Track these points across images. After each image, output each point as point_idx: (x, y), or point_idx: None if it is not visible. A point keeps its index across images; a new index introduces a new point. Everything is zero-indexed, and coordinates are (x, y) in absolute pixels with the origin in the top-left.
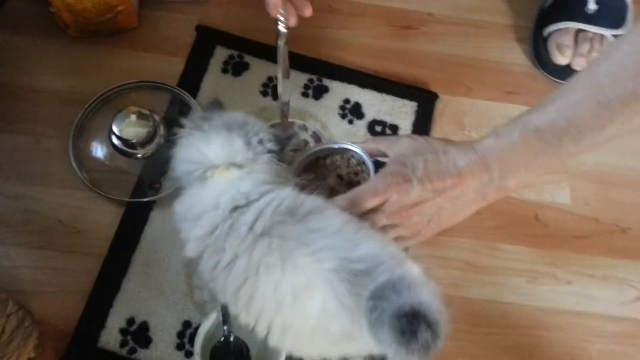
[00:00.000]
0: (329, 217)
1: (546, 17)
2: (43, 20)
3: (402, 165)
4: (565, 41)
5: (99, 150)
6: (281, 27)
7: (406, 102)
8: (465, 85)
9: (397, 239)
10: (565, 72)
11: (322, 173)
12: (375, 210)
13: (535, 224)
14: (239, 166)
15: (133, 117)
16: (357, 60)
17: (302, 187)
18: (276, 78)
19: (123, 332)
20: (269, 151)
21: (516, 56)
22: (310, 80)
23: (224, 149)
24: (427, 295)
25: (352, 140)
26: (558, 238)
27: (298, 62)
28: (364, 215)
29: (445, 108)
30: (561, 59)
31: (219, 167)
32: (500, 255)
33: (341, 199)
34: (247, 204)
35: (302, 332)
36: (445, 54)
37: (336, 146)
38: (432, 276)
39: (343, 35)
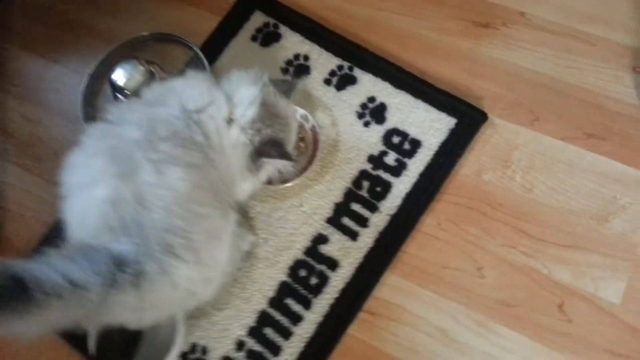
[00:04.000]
0: None
1: None
2: None
3: None
4: None
5: (105, 92)
6: None
7: (444, 116)
8: (533, 113)
9: None
10: None
11: None
12: None
13: (555, 313)
14: None
15: (140, 67)
16: (405, 55)
17: None
18: (303, 57)
19: None
20: None
21: (622, 90)
22: (340, 67)
23: None
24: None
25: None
26: (581, 343)
27: (333, 43)
28: None
29: (494, 135)
30: None
31: None
32: (491, 338)
33: None
34: None
35: None
36: (522, 67)
37: None
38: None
39: (402, 22)
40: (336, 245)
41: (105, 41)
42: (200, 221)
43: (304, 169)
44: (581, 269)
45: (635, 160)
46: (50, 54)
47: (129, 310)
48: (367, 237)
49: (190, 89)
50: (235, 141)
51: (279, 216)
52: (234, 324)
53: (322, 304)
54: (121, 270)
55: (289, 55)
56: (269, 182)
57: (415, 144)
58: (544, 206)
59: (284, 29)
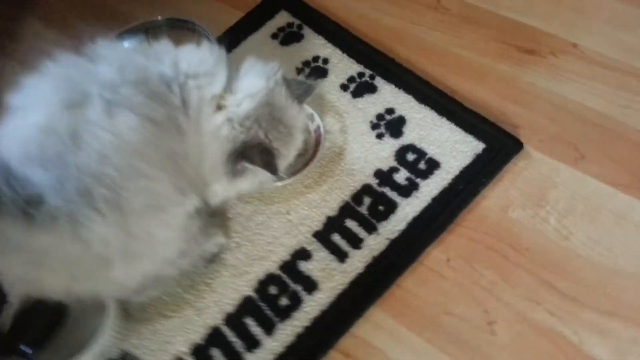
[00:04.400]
0: None
1: None
2: None
3: None
4: None
5: None
6: None
7: (470, 139)
8: (578, 150)
9: None
10: None
11: None
12: None
13: None
14: None
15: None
16: (434, 71)
17: None
18: (323, 59)
19: None
20: None
21: None
22: (360, 74)
23: None
24: None
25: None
26: None
27: (356, 49)
28: None
29: (529, 168)
30: None
31: None
32: None
33: None
34: None
35: None
36: (569, 99)
37: None
38: None
39: (435, 38)
40: (319, 264)
41: (123, 23)
42: (141, 181)
43: (297, 171)
44: (623, 345)
45: None
46: (68, 29)
47: (33, 263)
48: (358, 261)
49: (192, 53)
50: (215, 130)
51: (260, 221)
52: (178, 337)
53: (288, 331)
54: (33, 206)
55: (308, 56)
56: None
57: (433, 165)
58: (583, 259)
59: (307, 31)
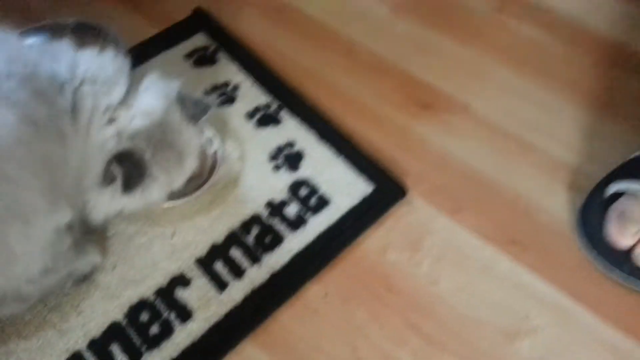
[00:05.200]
0: None
1: (623, 170)
2: None
3: None
4: (636, 213)
5: None
6: None
7: (361, 181)
8: (457, 202)
9: None
10: (618, 260)
11: None
12: None
13: None
14: None
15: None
16: (337, 111)
17: None
18: (233, 86)
19: None
20: None
21: (554, 203)
22: (267, 106)
23: None
24: None
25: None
26: None
27: (268, 80)
28: None
29: (410, 214)
30: (620, 238)
31: None
32: None
33: None
34: None
35: None
36: (455, 155)
37: None
38: None
39: (342, 81)
40: (196, 293)
41: (32, 21)
42: (3, 184)
43: (188, 194)
44: None
45: (557, 279)
46: None
47: None
48: (236, 292)
49: (93, 58)
50: (103, 142)
51: (141, 242)
52: None
53: None
54: None
55: (219, 80)
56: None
57: (323, 202)
58: (448, 306)
59: (222, 56)
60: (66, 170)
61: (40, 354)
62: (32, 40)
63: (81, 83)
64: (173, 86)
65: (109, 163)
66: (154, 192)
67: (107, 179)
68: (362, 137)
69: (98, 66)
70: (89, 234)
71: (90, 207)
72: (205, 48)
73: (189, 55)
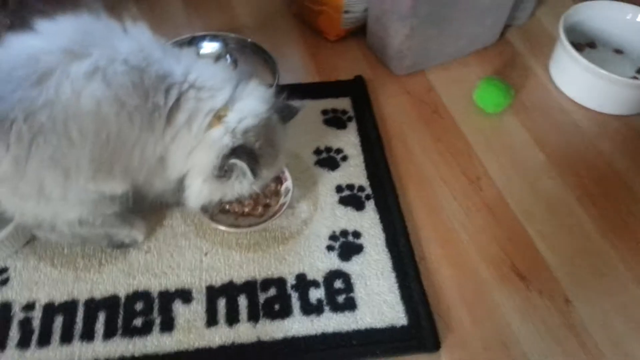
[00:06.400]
0: None
1: None
2: None
3: None
4: None
5: None
6: None
7: (400, 309)
8: None
9: None
10: None
11: None
12: None
13: None
14: None
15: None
16: (426, 232)
17: None
18: (342, 156)
19: None
20: None
21: None
22: (360, 188)
23: None
24: None
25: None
26: None
27: (378, 165)
28: None
29: None
30: None
31: None
32: None
33: None
34: None
35: None
36: (518, 343)
37: None
38: None
39: (449, 207)
40: (189, 314)
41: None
42: (63, 139)
43: (240, 226)
44: None
45: None
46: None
47: None
48: (219, 336)
49: (207, 67)
50: (215, 138)
51: (180, 244)
52: (45, 290)
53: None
54: None
55: (335, 144)
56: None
57: (350, 305)
58: None
59: (352, 125)
60: (135, 154)
61: (54, 284)
62: (205, 44)
63: (189, 87)
64: (270, 92)
65: (226, 157)
66: (251, 184)
67: (222, 170)
68: (431, 269)
69: (208, 75)
70: (143, 212)
71: (189, 194)
72: (343, 112)
73: (325, 112)
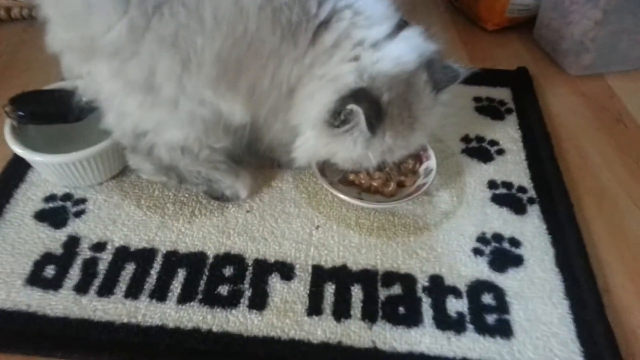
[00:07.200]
0: None
1: None
2: None
3: None
4: None
5: None
6: None
7: (576, 350)
8: None
9: None
10: None
11: None
12: None
13: None
14: None
15: None
16: (612, 258)
17: None
18: (497, 149)
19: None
20: None
21: None
22: (520, 189)
23: None
24: None
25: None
26: None
27: (546, 168)
28: None
29: None
30: None
31: None
32: None
33: None
34: None
35: None
36: None
37: None
38: None
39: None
40: (287, 293)
41: None
42: (192, 36)
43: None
44: None
45: None
46: None
47: None
48: (315, 326)
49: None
50: (340, 74)
51: (289, 211)
52: (137, 232)
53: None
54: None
55: (490, 136)
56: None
57: (503, 330)
58: None
59: (511, 118)
60: (267, 70)
61: (134, 226)
62: None
63: (346, 6)
64: (429, 47)
65: (343, 101)
66: (367, 146)
67: (336, 117)
68: (618, 307)
69: (372, 3)
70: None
71: (297, 144)
72: (501, 102)
73: (477, 100)
